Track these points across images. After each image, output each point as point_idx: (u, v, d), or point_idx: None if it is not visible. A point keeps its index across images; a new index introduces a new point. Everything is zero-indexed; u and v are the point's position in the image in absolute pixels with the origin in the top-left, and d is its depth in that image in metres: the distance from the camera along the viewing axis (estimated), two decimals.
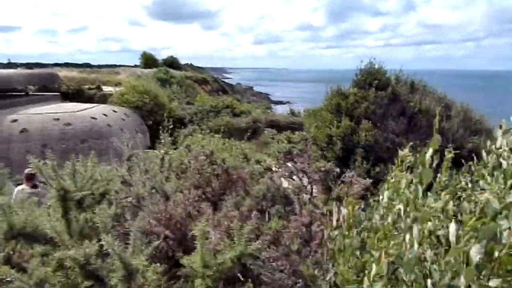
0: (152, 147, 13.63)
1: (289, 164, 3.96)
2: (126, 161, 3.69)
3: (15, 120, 12.32)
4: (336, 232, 2.01)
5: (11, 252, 2.67)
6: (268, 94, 79.31)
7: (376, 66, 11.30)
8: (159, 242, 2.48)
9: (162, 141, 4.38)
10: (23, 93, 17.81)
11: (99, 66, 60.37)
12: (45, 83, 19.85)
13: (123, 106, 17.83)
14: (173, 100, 23.37)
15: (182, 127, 16.93)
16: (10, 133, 11.96)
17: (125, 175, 3.35)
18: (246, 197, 3.24)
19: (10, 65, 46.08)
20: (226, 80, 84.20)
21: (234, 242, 2.54)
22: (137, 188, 3.13)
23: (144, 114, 18.30)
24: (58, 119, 12.48)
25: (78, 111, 13.44)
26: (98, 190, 3.05)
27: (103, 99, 21.27)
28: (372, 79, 11.07)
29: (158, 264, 2.37)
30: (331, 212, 3.69)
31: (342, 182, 4.18)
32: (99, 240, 2.32)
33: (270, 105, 41.64)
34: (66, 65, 62.41)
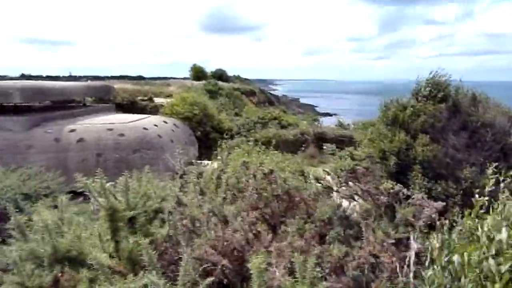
0: (201, 157, 13.71)
1: (351, 184, 3.63)
2: (180, 178, 3.54)
3: (73, 130, 12.84)
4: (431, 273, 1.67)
5: (60, 274, 2.56)
6: (315, 106, 78.62)
7: (442, 78, 10.57)
8: (213, 278, 2.23)
9: (219, 157, 4.18)
10: (81, 104, 18.72)
11: (152, 79, 62.91)
12: (101, 95, 20.73)
13: (173, 117, 18.14)
14: (221, 111, 23.60)
15: (231, 138, 16.96)
16: (68, 143, 12.47)
17: (179, 194, 3.17)
18: (308, 221, 2.95)
19: (71, 78, 49.24)
20: (273, 92, 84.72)
21: (296, 280, 2.19)
22: (192, 209, 2.93)
23: (193, 125, 18.53)
24: (112, 129, 12.84)
25: (130, 121, 13.77)
26: (151, 207, 2.90)
27: (155, 110, 21.90)
28: (436, 90, 10.37)
29: None
30: (397, 242, 3.33)
31: (409, 204, 3.79)
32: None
33: (316, 117, 41.20)
34: (122, 77, 65.73)
